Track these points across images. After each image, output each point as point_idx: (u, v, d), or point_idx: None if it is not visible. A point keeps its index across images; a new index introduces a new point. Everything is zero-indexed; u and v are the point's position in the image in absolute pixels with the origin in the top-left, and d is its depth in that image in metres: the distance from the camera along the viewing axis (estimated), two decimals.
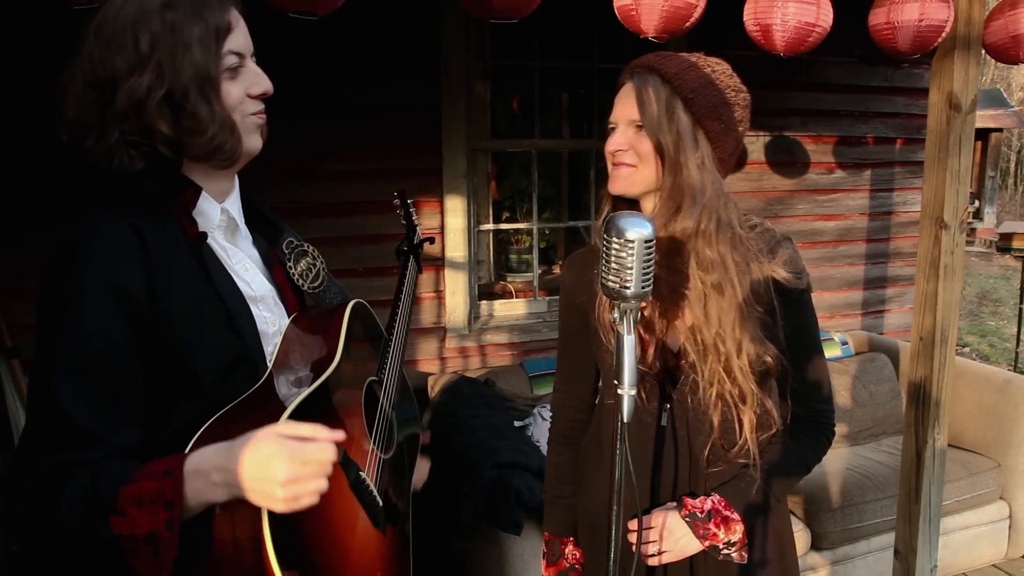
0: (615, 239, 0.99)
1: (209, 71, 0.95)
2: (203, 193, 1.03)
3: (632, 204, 1.27)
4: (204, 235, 1.01)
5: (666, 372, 1.25)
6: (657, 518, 1.22)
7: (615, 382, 1.03)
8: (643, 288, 1.00)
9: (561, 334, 1.42)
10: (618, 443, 1.04)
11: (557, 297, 3.33)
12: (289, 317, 1.12)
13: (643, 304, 1.17)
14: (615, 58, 3.27)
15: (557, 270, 3.73)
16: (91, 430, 0.88)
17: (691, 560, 1.25)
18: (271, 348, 1.06)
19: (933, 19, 1.92)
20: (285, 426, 0.88)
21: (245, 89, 1.00)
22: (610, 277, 1.00)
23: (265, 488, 0.83)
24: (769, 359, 1.20)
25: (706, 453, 1.23)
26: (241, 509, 0.87)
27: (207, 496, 0.86)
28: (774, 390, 1.30)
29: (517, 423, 2.71)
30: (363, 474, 1.05)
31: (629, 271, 0.99)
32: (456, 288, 3.06)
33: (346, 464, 1.02)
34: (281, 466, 0.82)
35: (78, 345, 0.88)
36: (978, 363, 3.75)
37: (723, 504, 1.21)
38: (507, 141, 3.46)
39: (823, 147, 3.63)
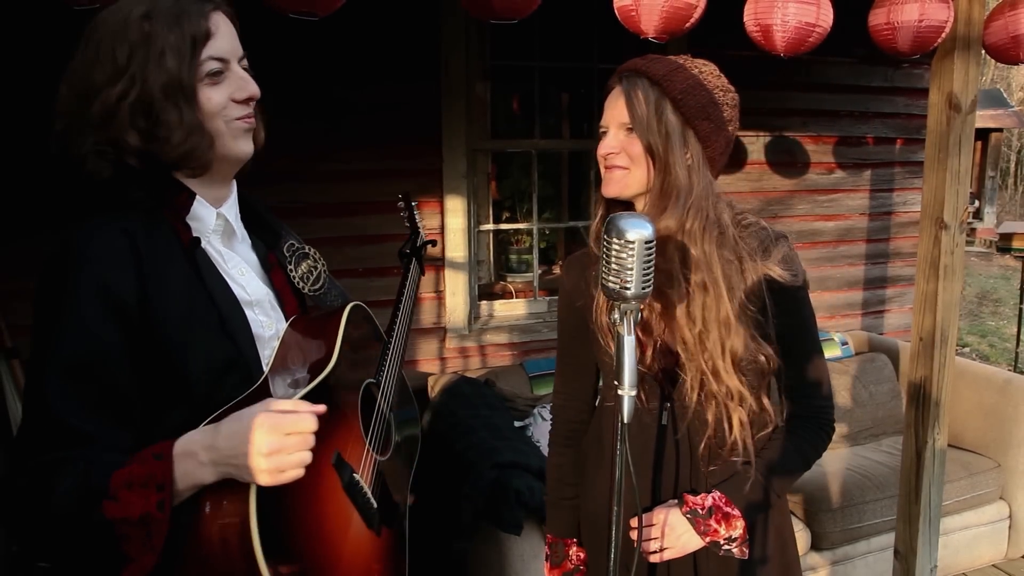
0: (615, 240, 0.99)
1: (181, 78, 0.96)
2: (198, 198, 1.04)
3: (626, 206, 1.28)
4: (197, 240, 1.02)
5: (665, 372, 1.26)
6: (659, 515, 1.23)
7: (615, 383, 1.03)
8: (643, 289, 1.00)
9: (560, 336, 1.43)
10: (618, 444, 1.04)
11: (557, 297, 3.33)
12: (288, 321, 1.13)
13: (643, 304, 1.17)
14: (615, 58, 3.24)
15: (557, 270, 3.73)
16: (82, 430, 0.89)
17: (694, 556, 1.26)
18: (268, 352, 1.06)
19: (933, 19, 1.92)
20: (266, 403, 0.90)
21: (229, 94, 1.01)
22: (610, 278, 1.01)
23: (248, 461, 0.85)
24: (763, 358, 1.21)
25: (700, 451, 1.24)
26: (228, 496, 0.88)
27: (196, 476, 0.88)
28: (773, 388, 1.30)
29: (517, 423, 2.71)
30: (357, 476, 1.05)
31: (629, 272, 0.99)
32: (456, 288, 3.06)
33: (339, 465, 1.02)
34: (263, 437, 0.85)
35: (69, 347, 0.90)
36: (978, 363, 3.75)
37: (724, 501, 1.22)
38: (507, 141, 3.46)
39: (823, 147, 3.63)
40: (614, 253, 0.99)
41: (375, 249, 2.88)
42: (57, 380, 0.90)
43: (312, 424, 0.88)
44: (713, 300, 1.18)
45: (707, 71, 1.22)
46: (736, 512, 1.22)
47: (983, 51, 2.12)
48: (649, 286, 1.01)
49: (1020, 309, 5.95)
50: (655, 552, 1.23)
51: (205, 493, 0.89)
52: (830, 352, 3.38)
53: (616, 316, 1.03)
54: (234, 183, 1.13)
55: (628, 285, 0.99)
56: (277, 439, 0.85)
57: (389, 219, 2.87)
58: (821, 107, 3.57)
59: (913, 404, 2.23)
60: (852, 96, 3.63)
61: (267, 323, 1.09)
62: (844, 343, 3.51)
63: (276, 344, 1.06)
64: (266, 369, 1.02)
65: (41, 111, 1.08)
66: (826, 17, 1.84)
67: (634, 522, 1.21)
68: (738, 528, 1.22)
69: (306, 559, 0.94)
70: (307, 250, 1.22)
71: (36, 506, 0.88)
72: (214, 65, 0.99)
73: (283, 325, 1.11)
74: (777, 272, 1.21)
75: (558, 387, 1.45)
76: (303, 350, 1.09)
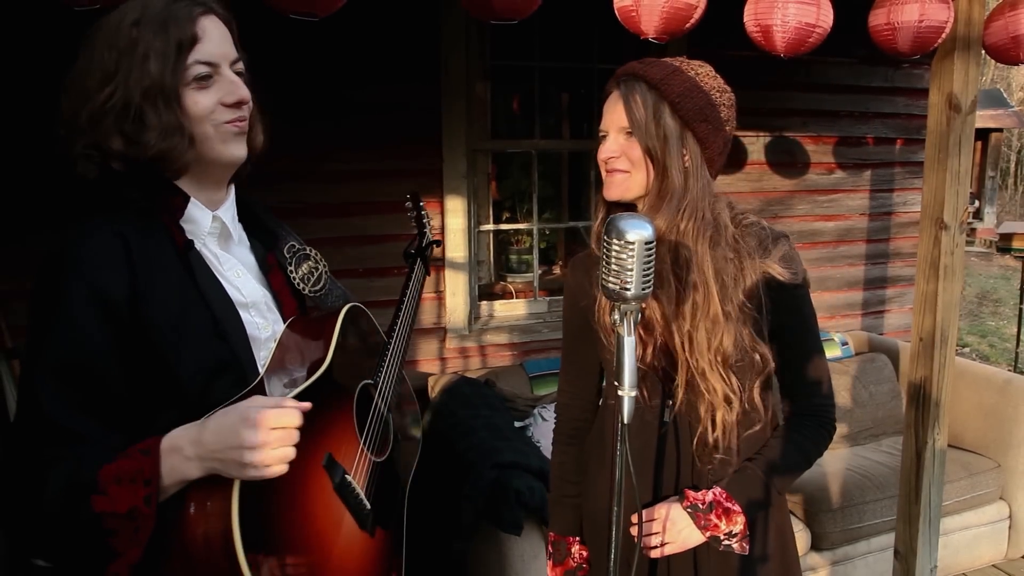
0: (615, 241, 0.99)
1: (164, 82, 0.97)
2: (193, 201, 1.05)
3: (627, 208, 1.29)
4: (190, 243, 1.03)
5: (666, 370, 1.27)
6: (660, 510, 1.25)
7: (615, 383, 1.03)
8: (643, 290, 1.01)
9: (565, 335, 1.44)
10: (619, 444, 1.05)
11: (558, 298, 3.34)
12: (285, 322, 1.13)
13: (644, 305, 1.18)
14: (615, 59, 3.26)
15: (557, 271, 3.73)
16: (72, 429, 0.91)
17: (694, 553, 1.27)
18: (264, 353, 1.06)
19: (933, 20, 1.92)
20: (252, 400, 0.91)
21: (218, 98, 1.01)
22: (610, 279, 1.01)
23: (232, 455, 0.86)
24: (758, 356, 1.22)
25: (693, 448, 1.26)
26: (212, 492, 0.89)
27: (182, 471, 0.89)
28: (775, 386, 1.32)
29: (517, 423, 2.71)
30: (349, 476, 1.05)
31: (629, 273, 0.99)
32: (456, 288, 3.07)
33: (330, 466, 1.02)
34: (247, 432, 0.86)
35: (60, 347, 0.92)
36: (978, 363, 3.75)
37: (724, 496, 1.24)
38: (507, 141, 3.46)
39: (823, 147, 3.63)
40: (614, 254, 1.00)
41: (375, 249, 2.88)
42: (48, 380, 0.92)
43: (296, 420, 0.89)
44: (703, 299, 1.19)
45: (703, 72, 1.23)
46: (737, 508, 1.23)
47: (983, 51, 2.12)
48: (649, 287, 1.02)
49: (1020, 309, 5.95)
50: (656, 547, 1.24)
51: (191, 488, 0.90)
52: (830, 352, 3.38)
53: (616, 317, 1.03)
54: (232, 186, 1.13)
55: (628, 286, 1.00)
56: (261, 434, 0.86)
57: (389, 219, 2.88)
58: (821, 107, 3.57)
59: (913, 404, 2.23)
60: (852, 96, 3.63)
61: (263, 325, 1.10)
62: (844, 343, 3.51)
63: (273, 345, 1.07)
64: (262, 371, 1.03)
65: (42, 113, 1.09)
66: (826, 18, 1.85)
67: (635, 518, 1.22)
68: (738, 523, 1.23)
69: (291, 558, 0.94)
70: (308, 251, 1.22)
71: (28, 502, 0.90)
72: (201, 69, 0.99)
73: (280, 327, 1.11)
74: (777, 270, 1.22)
75: (562, 386, 1.46)
76: (300, 351, 1.09)
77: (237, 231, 1.15)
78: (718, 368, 1.20)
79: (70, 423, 0.91)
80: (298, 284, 1.19)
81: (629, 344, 1.02)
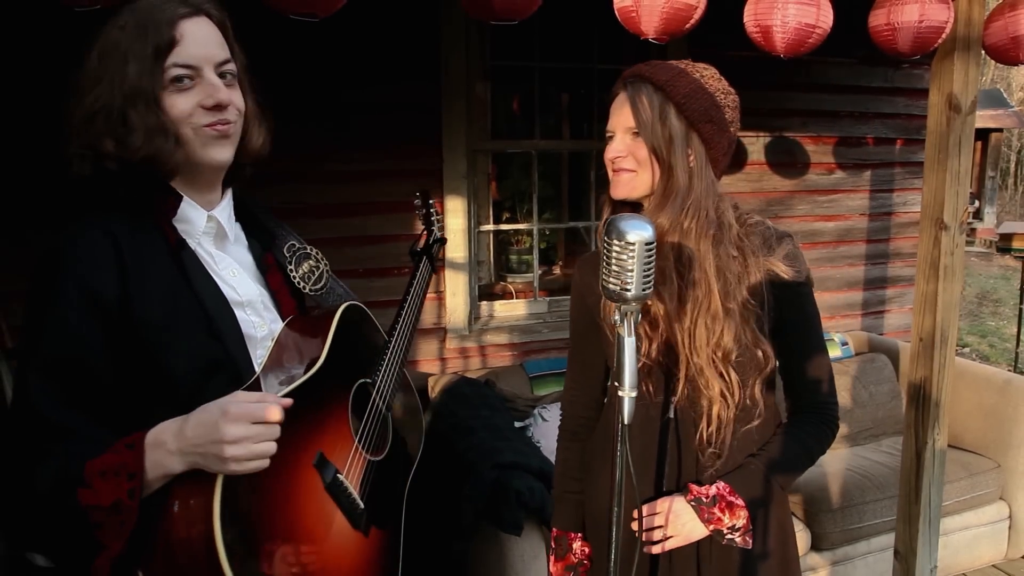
0: (615, 241, 1.00)
1: (142, 85, 0.98)
2: (187, 200, 1.06)
3: (633, 207, 1.31)
4: (183, 241, 1.05)
5: (671, 367, 1.28)
6: (663, 504, 1.26)
7: (615, 384, 1.04)
8: (644, 290, 1.01)
9: (572, 333, 1.46)
10: (619, 444, 1.05)
11: (558, 298, 3.34)
12: (284, 321, 1.13)
13: (649, 302, 1.22)
14: (615, 59, 3.27)
15: (557, 271, 3.73)
16: (62, 424, 0.92)
17: (697, 546, 1.29)
18: (261, 352, 1.07)
19: (933, 20, 1.92)
20: (234, 395, 0.92)
21: (197, 101, 1.01)
22: (611, 279, 1.01)
23: (212, 449, 0.87)
24: (760, 353, 1.24)
25: (694, 443, 1.27)
26: (195, 487, 0.89)
27: (165, 465, 0.90)
28: (777, 384, 1.34)
29: (517, 424, 2.71)
30: (341, 475, 1.05)
31: (630, 273, 0.99)
32: (456, 289, 3.07)
33: (321, 465, 1.03)
34: (227, 427, 0.87)
35: (51, 344, 0.94)
36: (978, 364, 3.74)
37: (728, 490, 1.25)
38: (507, 142, 3.46)
39: (823, 148, 3.63)
40: (615, 254, 1.00)
41: (376, 249, 2.88)
42: (40, 376, 0.93)
43: (276, 415, 0.90)
44: (704, 295, 1.21)
45: (708, 75, 1.25)
46: (740, 502, 1.25)
47: (983, 52, 2.12)
48: (649, 287, 1.02)
49: (1020, 309, 5.95)
50: (659, 541, 1.25)
51: (175, 484, 0.91)
52: (830, 352, 3.35)
53: (617, 317, 1.03)
54: (228, 189, 1.14)
55: (628, 286, 1.00)
56: (241, 429, 0.87)
57: (390, 219, 2.88)
58: (821, 107, 3.57)
59: (913, 404, 2.23)
60: (852, 97, 3.63)
61: (259, 324, 1.10)
62: (844, 343, 3.51)
63: (270, 344, 1.07)
64: (258, 369, 1.03)
65: (42, 113, 1.09)
66: (826, 18, 1.85)
67: (637, 513, 1.23)
68: (741, 517, 1.24)
69: (276, 555, 0.94)
70: (308, 250, 1.23)
71: (20, 495, 0.91)
72: (178, 71, 1.00)
73: (278, 326, 1.11)
74: (781, 268, 1.25)
75: (568, 383, 1.48)
76: (298, 350, 1.09)
77: (234, 231, 1.15)
78: (717, 364, 1.22)
79: (61, 418, 0.92)
80: (298, 283, 1.19)
81: (629, 344, 1.03)
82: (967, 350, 7.04)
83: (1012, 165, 15.94)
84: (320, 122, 2.74)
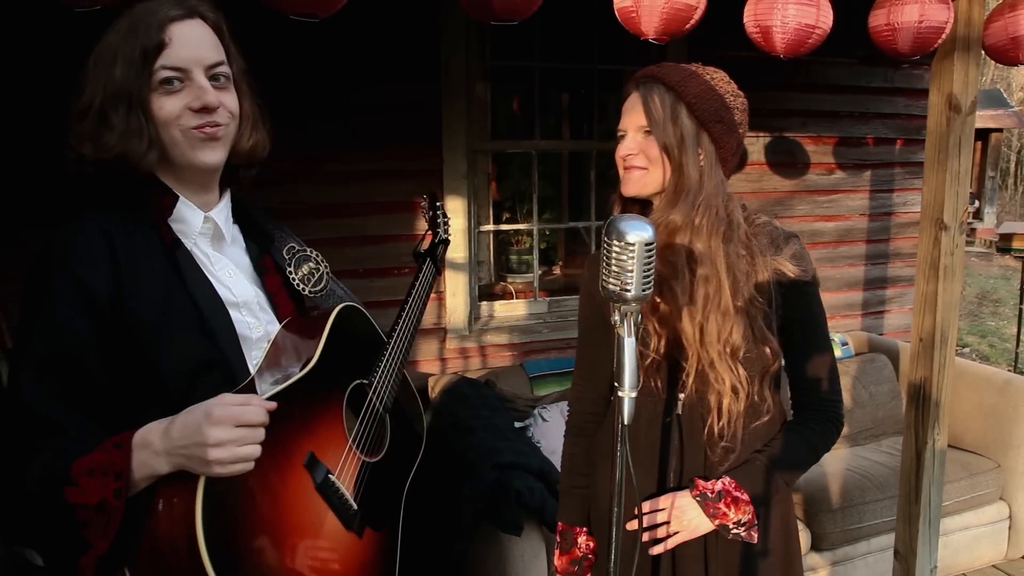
0: (615, 242, 1.00)
1: (128, 87, 0.99)
2: (183, 201, 1.06)
3: (643, 205, 1.34)
4: (178, 241, 1.05)
5: (679, 360, 1.30)
6: (669, 499, 1.27)
7: (615, 384, 1.04)
8: (643, 291, 1.01)
9: (580, 330, 1.47)
10: (619, 445, 1.05)
11: (558, 298, 3.34)
12: (280, 323, 1.13)
13: (658, 299, 1.25)
14: (615, 59, 3.27)
15: (557, 271, 3.73)
16: (53, 420, 0.93)
17: (704, 542, 1.30)
18: (256, 353, 1.07)
19: (933, 20, 1.92)
20: (220, 397, 0.92)
21: (186, 103, 1.01)
22: (610, 280, 1.01)
23: (196, 451, 0.87)
24: (767, 351, 1.26)
25: (703, 439, 1.29)
26: (179, 488, 0.89)
27: (151, 466, 0.90)
28: (784, 381, 1.36)
29: (517, 424, 2.71)
30: (333, 476, 1.05)
31: (629, 274, 0.99)
32: (456, 289, 3.07)
33: (312, 465, 1.02)
34: (211, 430, 0.87)
35: (44, 343, 0.94)
36: (978, 364, 3.74)
37: (733, 486, 1.27)
38: (507, 142, 3.47)
39: (823, 148, 3.63)
40: (614, 255, 1.00)
41: (376, 250, 2.88)
42: (33, 372, 0.94)
43: (260, 417, 0.90)
44: (715, 292, 1.23)
45: (718, 78, 1.29)
46: (745, 497, 1.26)
47: (983, 52, 2.12)
48: (649, 287, 1.02)
49: (1020, 309, 5.95)
50: (664, 539, 1.27)
51: (159, 484, 0.91)
52: None
53: (617, 318, 1.03)
54: (227, 191, 1.14)
55: (628, 287, 1.00)
56: (224, 432, 0.87)
57: (390, 220, 2.88)
58: (821, 108, 3.57)
59: (913, 405, 2.23)
60: (852, 97, 3.62)
61: (254, 325, 1.10)
62: (844, 343, 3.51)
63: (266, 345, 1.07)
64: (253, 370, 1.03)
65: (40, 114, 1.10)
66: (826, 19, 1.85)
67: (640, 508, 1.25)
68: (747, 512, 1.26)
69: (263, 556, 0.94)
70: (308, 252, 1.23)
71: (10, 491, 0.92)
72: (166, 74, 1.00)
73: (274, 327, 1.11)
74: (788, 267, 1.27)
75: (576, 379, 1.50)
76: (294, 351, 1.09)
77: (231, 232, 1.15)
78: (727, 359, 1.24)
79: (52, 415, 0.93)
80: (298, 285, 1.19)
81: (629, 345, 1.03)
82: (967, 350, 7.04)
83: (1012, 165, 15.94)
84: (320, 122, 2.74)
